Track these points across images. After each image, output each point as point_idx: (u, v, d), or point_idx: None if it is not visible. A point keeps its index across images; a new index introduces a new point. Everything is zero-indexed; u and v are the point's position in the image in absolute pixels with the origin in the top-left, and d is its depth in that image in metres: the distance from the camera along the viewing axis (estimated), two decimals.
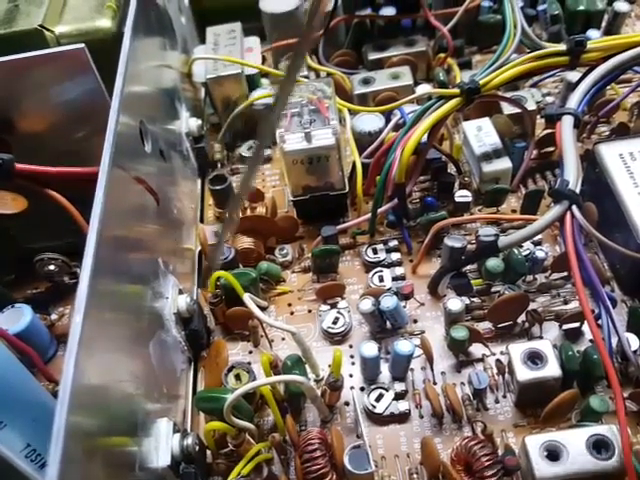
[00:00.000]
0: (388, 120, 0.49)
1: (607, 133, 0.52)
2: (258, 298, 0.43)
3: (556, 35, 0.56)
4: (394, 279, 0.44)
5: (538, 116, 0.51)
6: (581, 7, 0.57)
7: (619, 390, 0.32)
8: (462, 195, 0.47)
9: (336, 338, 0.43)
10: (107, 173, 0.31)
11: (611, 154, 0.42)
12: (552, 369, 0.36)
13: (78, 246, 0.29)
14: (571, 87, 0.45)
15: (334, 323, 0.43)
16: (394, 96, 0.52)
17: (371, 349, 0.38)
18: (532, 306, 0.41)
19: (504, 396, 0.39)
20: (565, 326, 0.41)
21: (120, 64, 0.36)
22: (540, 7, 0.59)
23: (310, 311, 0.45)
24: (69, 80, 0.38)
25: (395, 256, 0.46)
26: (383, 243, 0.47)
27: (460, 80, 0.50)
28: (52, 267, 0.45)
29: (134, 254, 0.35)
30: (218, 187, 0.49)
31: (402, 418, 0.39)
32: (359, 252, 0.47)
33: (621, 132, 0.50)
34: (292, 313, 0.45)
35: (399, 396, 0.39)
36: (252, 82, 0.55)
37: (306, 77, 0.56)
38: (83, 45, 0.37)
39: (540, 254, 0.42)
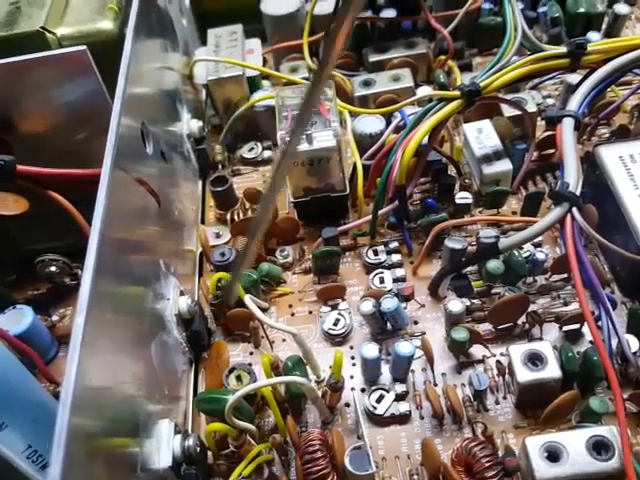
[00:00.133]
0: (389, 122, 0.49)
1: (607, 135, 0.52)
2: (259, 299, 0.43)
3: (556, 37, 0.56)
4: (395, 280, 0.44)
5: (538, 118, 0.51)
6: (581, 9, 0.57)
7: (619, 391, 0.32)
8: (462, 197, 0.47)
9: (337, 339, 0.43)
10: (109, 175, 0.31)
11: (611, 156, 0.42)
12: (552, 370, 0.36)
13: (79, 247, 0.29)
14: (571, 89, 0.45)
15: (335, 324, 0.43)
16: (395, 98, 0.52)
17: (372, 350, 0.38)
18: (532, 308, 0.41)
19: (504, 397, 0.39)
20: (565, 327, 0.41)
21: (122, 66, 0.36)
22: (540, 9, 0.59)
23: (311, 312, 0.45)
24: (70, 82, 0.38)
25: (396, 258, 0.46)
26: (384, 245, 0.47)
27: (461, 82, 0.50)
28: (53, 268, 0.45)
29: (135, 256, 0.35)
30: (219, 188, 0.49)
31: (403, 419, 0.39)
32: (360, 253, 0.47)
33: (621, 134, 0.50)
34: (293, 314, 0.45)
35: (400, 397, 0.39)
36: (253, 84, 0.55)
37: (307, 79, 0.56)
38: (85, 47, 0.37)
39: (540, 256, 0.42)
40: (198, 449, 0.34)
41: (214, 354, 0.41)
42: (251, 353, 0.43)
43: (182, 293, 0.41)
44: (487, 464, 0.33)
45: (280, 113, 0.46)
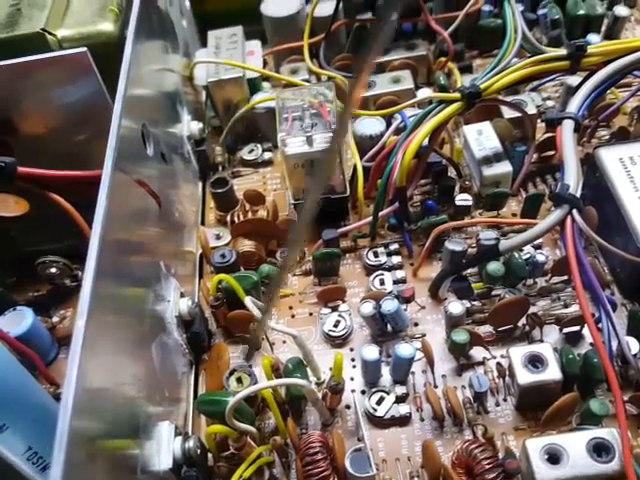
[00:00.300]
0: (389, 124, 0.49)
1: (607, 137, 0.52)
2: (259, 301, 0.43)
3: (556, 39, 0.56)
4: (395, 282, 0.44)
5: (538, 120, 0.51)
6: (581, 11, 0.58)
7: (619, 393, 0.32)
8: (463, 199, 0.47)
9: (337, 341, 0.43)
10: (110, 176, 0.31)
11: (611, 158, 0.42)
12: (552, 372, 0.36)
13: (79, 249, 0.29)
14: (571, 91, 0.45)
15: (335, 326, 0.43)
16: (395, 100, 0.52)
17: (372, 352, 0.38)
18: (532, 309, 0.41)
19: (505, 399, 0.39)
20: (565, 329, 0.41)
21: (122, 67, 0.36)
22: (540, 11, 0.59)
23: (311, 314, 0.45)
24: (71, 83, 0.38)
25: (396, 259, 0.46)
26: (384, 246, 0.47)
27: (461, 84, 0.50)
28: (53, 270, 0.45)
29: (136, 257, 0.35)
30: (219, 190, 0.49)
31: (403, 421, 0.39)
32: (360, 255, 0.47)
33: (621, 136, 0.50)
34: (293, 316, 0.45)
35: (400, 399, 0.39)
36: (253, 85, 0.55)
37: (307, 81, 0.56)
38: (85, 49, 0.37)
39: (540, 258, 0.42)
40: (198, 451, 0.34)
41: (214, 356, 0.41)
42: None
43: (182, 295, 0.41)
44: (487, 466, 0.33)
45: (280, 115, 0.46)
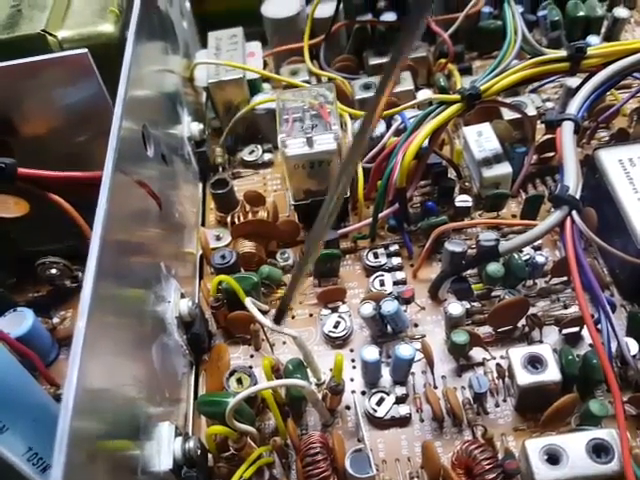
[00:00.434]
0: (389, 125, 0.49)
1: (607, 139, 0.52)
2: (259, 302, 0.43)
3: (556, 41, 0.57)
4: (395, 283, 0.45)
5: (538, 121, 0.51)
6: (581, 13, 0.58)
7: (618, 394, 0.32)
8: (462, 200, 0.47)
9: (337, 342, 0.43)
10: (110, 177, 0.31)
11: (611, 160, 0.42)
12: (552, 373, 0.36)
13: (80, 250, 0.29)
14: (571, 93, 0.45)
15: (335, 327, 0.43)
16: (395, 101, 0.52)
17: (372, 353, 0.39)
18: (532, 310, 0.41)
19: (504, 400, 0.39)
20: (565, 330, 0.41)
21: (123, 68, 0.36)
22: (540, 13, 0.59)
23: (311, 315, 0.45)
24: (72, 84, 0.38)
25: (396, 260, 0.46)
26: (384, 247, 0.47)
27: (461, 86, 0.50)
28: (54, 271, 0.45)
29: (137, 258, 0.35)
30: (220, 191, 0.49)
31: (403, 422, 0.39)
32: (360, 256, 0.47)
33: (621, 138, 0.50)
34: (293, 317, 0.45)
35: (400, 400, 0.39)
36: (254, 87, 0.55)
37: (307, 82, 0.56)
38: (86, 50, 0.37)
39: (540, 259, 0.42)
40: (199, 452, 0.34)
41: (215, 357, 0.41)
42: (252, 356, 0.43)
43: (183, 296, 0.41)
44: (487, 467, 0.33)
45: (280, 116, 0.46)
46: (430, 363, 0.40)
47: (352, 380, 0.41)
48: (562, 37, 0.57)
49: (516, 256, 0.41)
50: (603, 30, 0.59)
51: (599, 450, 0.32)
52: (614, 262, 0.43)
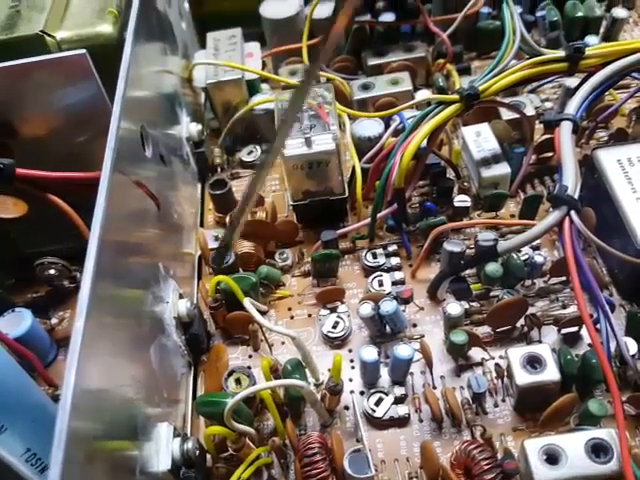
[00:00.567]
0: (387, 125, 0.49)
1: (605, 139, 0.52)
2: (258, 302, 0.43)
3: (555, 41, 0.57)
4: (394, 283, 0.45)
5: (537, 121, 0.51)
6: (579, 13, 0.58)
7: (617, 394, 0.32)
8: (461, 200, 0.47)
9: (336, 342, 0.43)
10: (109, 178, 0.31)
11: (609, 160, 0.42)
12: (551, 373, 0.36)
13: (78, 250, 0.29)
14: (570, 93, 0.45)
15: (334, 327, 0.43)
16: (393, 101, 0.52)
17: (371, 353, 0.39)
18: (531, 310, 0.41)
19: (503, 400, 0.39)
20: (564, 330, 0.41)
21: (122, 69, 0.36)
22: (539, 13, 0.59)
23: (310, 315, 0.45)
24: (70, 85, 0.38)
25: (394, 260, 0.46)
26: (383, 248, 0.47)
27: (459, 86, 0.50)
28: (52, 271, 0.45)
29: (135, 258, 0.35)
30: (218, 192, 0.49)
31: (402, 422, 0.39)
32: (359, 256, 0.47)
33: (619, 137, 0.50)
34: (292, 317, 0.45)
35: (399, 400, 0.39)
36: (252, 87, 0.56)
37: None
38: (84, 51, 0.37)
39: (539, 259, 0.42)
40: (197, 452, 0.34)
41: (213, 357, 0.41)
42: (250, 356, 0.43)
43: (181, 296, 0.41)
44: (486, 467, 0.33)
45: (279, 116, 0.46)
46: (429, 363, 0.40)
47: (351, 380, 0.41)
48: (561, 37, 0.57)
49: (515, 256, 0.41)
50: (602, 30, 0.59)
51: (598, 450, 0.32)
52: (613, 262, 0.43)
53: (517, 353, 0.37)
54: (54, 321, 0.46)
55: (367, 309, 0.41)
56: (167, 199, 0.43)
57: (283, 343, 0.43)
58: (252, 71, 0.55)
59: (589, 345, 0.40)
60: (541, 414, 0.36)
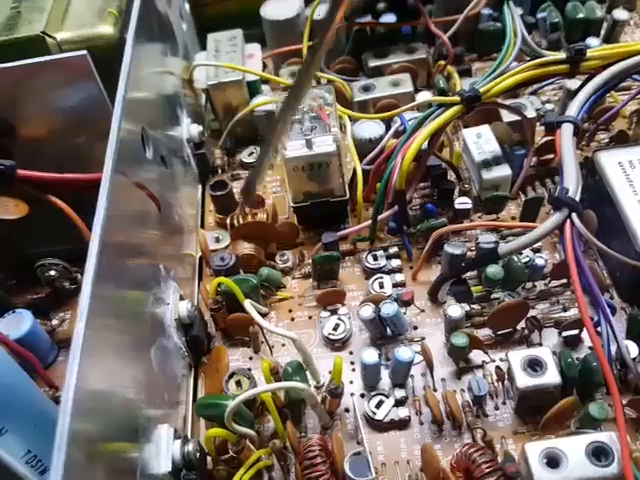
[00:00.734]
0: (388, 127, 0.49)
1: (606, 141, 0.52)
2: (259, 304, 0.43)
3: (555, 43, 0.57)
4: (394, 286, 0.44)
5: (538, 123, 0.51)
6: (580, 15, 0.58)
7: (618, 397, 0.32)
8: (462, 202, 0.47)
9: (336, 344, 0.43)
10: (109, 179, 0.31)
11: (610, 162, 0.42)
12: (551, 376, 0.36)
13: (79, 252, 0.29)
14: (571, 95, 0.45)
15: (334, 329, 0.43)
16: (394, 103, 0.52)
17: (371, 356, 0.38)
18: (532, 313, 0.41)
19: (504, 403, 0.39)
20: (564, 333, 0.41)
21: (122, 70, 0.36)
22: (540, 15, 0.59)
23: (311, 317, 0.45)
24: (71, 86, 0.38)
25: (395, 263, 0.46)
26: (383, 250, 0.47)
27: (460, 88, 0.50)
28: (53, 272, 0.45)
29: (136, 260, 0.35)
30: (219, 193, 0.49)
31: (402, 425, 0.39)
32: (359, 259, 0.47)
33: (620, 140, 0.50)
34: (293, 319, 0.45)
35: (399, 403, 0.39)
36: (253, 88, 0.56)
37: None
38: (85, 52, 0.37)
39: (540, 261, 0.42)
40: (198, 454, 0.34)
41: (214, 359, 0.41)
42: (251, 358, 0.43)
43: (182, 298, 0.41)
44: (487, 470, 0.33)
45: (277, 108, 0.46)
46: (429, 366, 0.40)
47: (351, 383, 0.41)
48: (561, 39, 0.57)
49: (515, 258, 0.41)
50: (602, 32, 0.59)
51: (599, 453, 0.32)
52: (614, 264, 0.43)
53: (518, 356, 0.37)
54: (55, 322, 0.46)
55: (368, 311, 0.40)
56: (168, 200, 0.43)
57: (284, 345, 0.43)
58: (253, 72, 0.55)
59: (590, 348, 0.40)
60: (542, 417, 0.36)
